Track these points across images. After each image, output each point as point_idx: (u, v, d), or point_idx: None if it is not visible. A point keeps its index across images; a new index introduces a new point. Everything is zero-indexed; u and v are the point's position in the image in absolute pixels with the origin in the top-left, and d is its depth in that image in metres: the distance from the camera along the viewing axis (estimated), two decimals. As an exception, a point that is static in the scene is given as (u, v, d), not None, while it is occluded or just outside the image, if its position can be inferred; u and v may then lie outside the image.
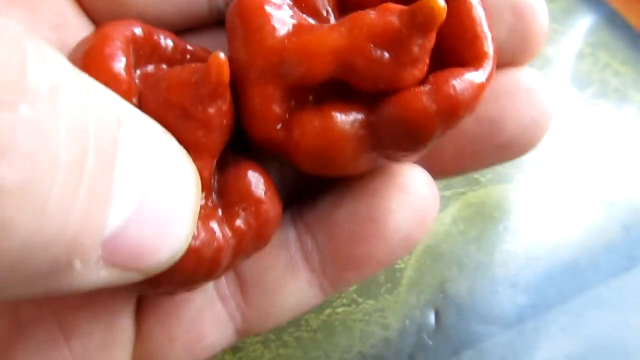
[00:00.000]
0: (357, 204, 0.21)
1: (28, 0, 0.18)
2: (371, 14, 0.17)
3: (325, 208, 0.22)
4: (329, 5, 0.18)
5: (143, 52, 0.18)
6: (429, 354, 0.32)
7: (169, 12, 0.20)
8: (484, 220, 0.36)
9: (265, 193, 0.19)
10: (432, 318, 0.33)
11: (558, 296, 0.33)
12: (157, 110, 0.16)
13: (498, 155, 0.21)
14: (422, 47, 0.17)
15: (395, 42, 0.16)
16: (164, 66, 0.19)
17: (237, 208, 0.18)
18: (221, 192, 0.19)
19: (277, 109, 0.17)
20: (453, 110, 0.17)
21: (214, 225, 0.18)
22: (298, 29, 0.17)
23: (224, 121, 0.17)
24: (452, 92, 0.17)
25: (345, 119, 0.17)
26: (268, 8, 0.17)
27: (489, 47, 0.18)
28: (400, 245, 0.20)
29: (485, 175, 0.37)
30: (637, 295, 0.33)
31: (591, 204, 0.37)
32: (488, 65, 0.17)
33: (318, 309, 0.33)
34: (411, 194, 0.20)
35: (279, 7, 0.17)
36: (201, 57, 0.19)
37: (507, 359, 0.31)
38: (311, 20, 0.18)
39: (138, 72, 0.18)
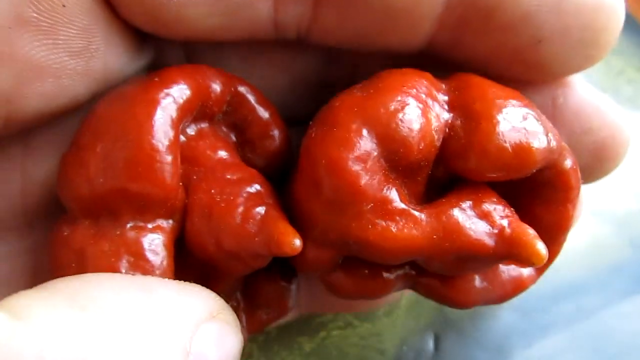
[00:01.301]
0: None
1: (46, 23, 0.16)
2: (467, 227, 0.17)
3: None
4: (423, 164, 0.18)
5: (194, 112, 0.18)
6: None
7: (224, 28, 0.19)
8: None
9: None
10: (431, 343, 0.31)
11: (564, 321, 0.31)
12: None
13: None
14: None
15: (481, 261, 0.17)
16: (205, 125, 0.19)
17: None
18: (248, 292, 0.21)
19: (324, 267, 0.18)
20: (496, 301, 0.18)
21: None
22: (381, 206, 0.17)
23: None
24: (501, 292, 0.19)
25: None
26: (355, 167, 0.16)
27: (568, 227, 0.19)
28: None
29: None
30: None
31: (599, 221, 0.35)
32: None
33: (312, 332, 0.32)
34: None
35: (366, 170, 0.16)
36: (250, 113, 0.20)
37: (509, 389, 0.30)
38: (395, 195, 0.17)
39: (184, 136, 0.18)
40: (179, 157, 0.17)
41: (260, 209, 0.17)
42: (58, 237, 0.17)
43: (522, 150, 0.16)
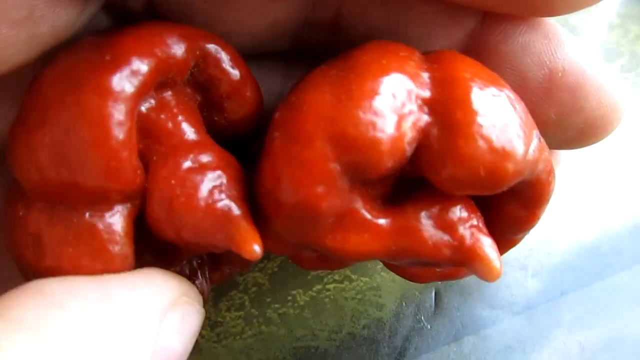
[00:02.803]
0: None
1: None
2: (427, 238, 0.17)
3: None
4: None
5: (153, 87, 0.17)
6: (426, 338, 0.29)
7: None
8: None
9: None
10: (431, 299, 0.30)
11: (574, 282, 0.30)
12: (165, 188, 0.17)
13: (562, 146, 0.21)
14: None
15: (436, 265, 0.18)
16: (167, 93, 0.17)
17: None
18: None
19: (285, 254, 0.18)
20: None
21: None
22: (342, 218, 0.17)
23: None
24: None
25: None
26: (317, 190, 0.16)
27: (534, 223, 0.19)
28: None
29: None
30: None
31: (616, 183, 0.33)
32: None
33: (307, 285, 0.30)
34: None
35: (329, 191, 0.16)
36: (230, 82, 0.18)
37: (513, 348, 0.28)
38: (358, 204, 0.17)
39: (144, 107, 0.17)
40: (135, 144, 0.16)
41: (223, 205, 0.16)
42: (13, 215, 0.17)
43: (496, 172, 0.16)
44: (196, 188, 0.16)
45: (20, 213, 0.16)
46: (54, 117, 0.15)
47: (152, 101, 0.17)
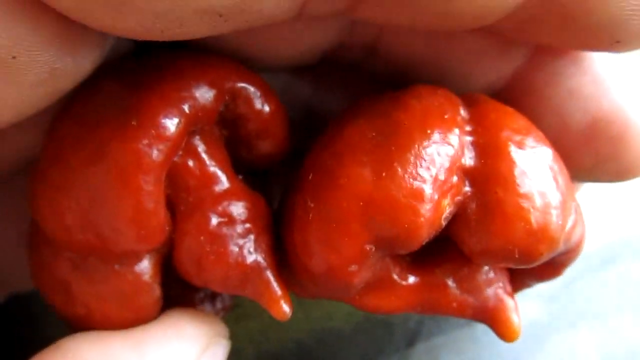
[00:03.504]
0: None
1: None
2: (452, 302, 0.17)
3: None
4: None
5: (182, 144, 0.16)
6: (439, 322, 0.30)
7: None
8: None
9: None
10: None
11: (584, 268, 0.30)
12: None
13: (588, 181, 0.21)
14: None
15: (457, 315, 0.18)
16: (195, 137, 0.17)
17: None
18: None
19: None
20: None
21: None
22: (372, 283, 0.17)
23: None
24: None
25: None
26: (350, 269, 0.16)
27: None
28: None
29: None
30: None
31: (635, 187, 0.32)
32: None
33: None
34: None
35: (362, 268, 0.16)
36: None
37: (527, 332, 0.29)
38: (387, 269, 0.17)
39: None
40: (164, 204, 0.16)
41: (252, 261, 0.16)
42: (40, 258, 0.17)
43: (530, 253, 0.16)
44: (226, 245, 0.16)
45: (48, 259, 0.17)
46: (80, 183, 0.15)
47: (180, 151, 0.16)
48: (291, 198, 0.17)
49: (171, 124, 0.15)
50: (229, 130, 0.17)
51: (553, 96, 0.18)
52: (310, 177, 0.16)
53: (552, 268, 0.19)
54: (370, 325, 0.30)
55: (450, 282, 0.17)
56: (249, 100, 0.17)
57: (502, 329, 0.17)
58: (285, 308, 0.16)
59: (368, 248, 0.15)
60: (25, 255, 0.18)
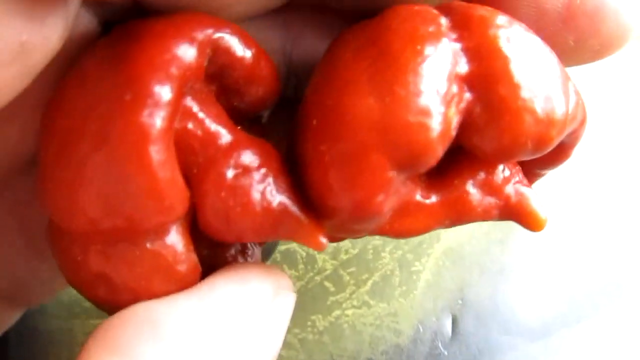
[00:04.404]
0: None
1: None
2: (477, 207, 0.18)
3: None
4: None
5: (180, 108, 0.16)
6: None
7: None
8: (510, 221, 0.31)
9: None
10: (448, 325, 0.30)
11: (592, 308, 0.29)
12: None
13: (575, 65, 0.21)
14: None
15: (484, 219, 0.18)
16: (188, 99, 0.17)
17: None
18: None
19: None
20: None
21: None
22: (399, 209, 0.17)
23: None
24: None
25: None
26: (378, 200, 0.16)
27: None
28: None
29: (517, 171, 0.32)
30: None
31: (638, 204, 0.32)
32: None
33: (326, 310, 0.31)
34: None
35: (387, 197, 0.16)
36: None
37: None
38: (411, 193, 0.18)
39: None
40: (178, 171, 0.16)
41: (278, 203, 0.17)
42: (70, 259, 0.17)
43: (542, 140, 0.16)
44: (248, 194, 0.17)
45: (79, 258, 0.16)
46: (91, 173, 0.15)
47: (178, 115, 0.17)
48: (300, 149, 0.17)
49: (165, 90, 0.15)
50: (216, 84, 0.18)
51: None
52: (314, 123, 0.17)
53: (561, 152, 0.19)
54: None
55: (471, 189, 0.18)
56: (228, 49, 0.17)
57: (529, 221, 0.18)
58: (322, 239, 0.16)
59: (390, 175, 0.16)
60: (37, 268, 0.18)
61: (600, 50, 0.19)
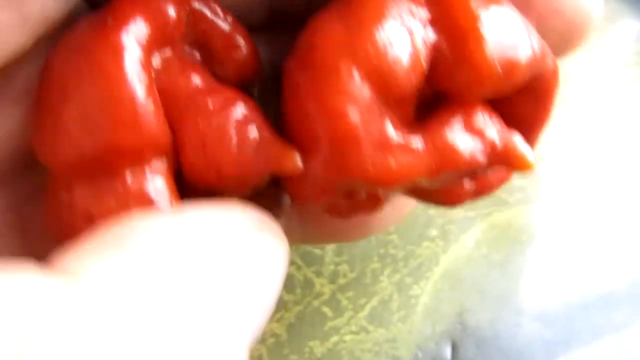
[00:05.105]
0: None
1: None
2: (462, 149, 0.17)
3: None
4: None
5: (157, 46, 0.17)
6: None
7: None
8: (510, 244, 0.32)
9: None
10: (448, 351, 0.30)
11: (592, 333, 0.29)
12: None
13: None
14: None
15: (472, 173, 0.18)
16: (168, 52, 0.18)
17: None
18: None
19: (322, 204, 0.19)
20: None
21: None
22: (380, 145, 0.17)
23: None
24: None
25: None
26: (354, 117, 0.16)
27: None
28: None
29: (513, 194, 0.32)
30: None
31: (633, 227, 0.32)
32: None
33: (324, 336, 0.31)
34: None
35: (364, 117, 0.16)
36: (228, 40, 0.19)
37: (528, 403, 0.29)
38: (391, 130, 0.17)
39: (156, 59, 0.17)
40: (157, 96, 0.17)
41: (254, 132, 0.17)
42: (58, 204, 0.17)
43: (510, 65, 0.17)
44: (225, 125, 0.17)
45: (64, 199, 0.17)
46: (74, 89, 0.16)
47: (157, 62, 0.17)
48: (282, 104, 0.18)
49: (144, 22, 0.16)
50: (199, 53, 0.19)
51: None
52: (289, 67, 0.17)
53: (538, 103, 0.19)
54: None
55: (453, 134, 0.18)
56: (206, 16, 0.18)
57: (518, 163, 0.18)
58: (297, 158, 0.17)
59: (364, 92, 0.16)
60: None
61: (564, 35, 0.20)
